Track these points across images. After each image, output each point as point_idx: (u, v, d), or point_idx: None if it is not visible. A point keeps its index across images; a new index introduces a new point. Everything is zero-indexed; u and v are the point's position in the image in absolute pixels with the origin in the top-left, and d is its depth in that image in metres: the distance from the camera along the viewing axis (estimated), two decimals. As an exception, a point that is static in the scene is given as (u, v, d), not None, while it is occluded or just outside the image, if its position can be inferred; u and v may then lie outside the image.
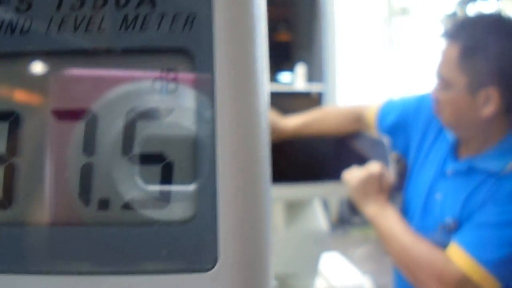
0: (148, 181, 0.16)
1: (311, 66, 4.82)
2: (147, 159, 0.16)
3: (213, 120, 0.16)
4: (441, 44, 1.03)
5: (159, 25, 0.16)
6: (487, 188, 0.96)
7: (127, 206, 0.17)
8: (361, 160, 1.12)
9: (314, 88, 1.40)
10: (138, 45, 0.16)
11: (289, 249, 1.27)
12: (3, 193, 0.16)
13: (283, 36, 6.84)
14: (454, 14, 3.60)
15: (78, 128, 0.17)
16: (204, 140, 0.16)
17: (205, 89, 0.16)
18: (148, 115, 0.17)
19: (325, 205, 5.10)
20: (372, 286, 1.48)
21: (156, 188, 0.16)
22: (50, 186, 0.16)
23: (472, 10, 3.77)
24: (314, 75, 4.85)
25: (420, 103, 1.12)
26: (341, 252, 1.57)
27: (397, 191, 1.11)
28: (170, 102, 0.16)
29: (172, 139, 0.16)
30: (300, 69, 1.47)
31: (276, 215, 1.29)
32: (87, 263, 0.16)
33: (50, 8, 0.16)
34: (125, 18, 0.16)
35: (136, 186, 0.16)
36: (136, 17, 0.16)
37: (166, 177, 0.16)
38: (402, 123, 1.17)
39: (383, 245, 1.04)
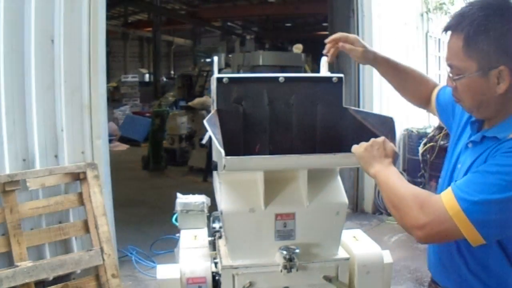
0: None
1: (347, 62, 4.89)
2: None
3: None
4: (446, 37, 1.13)
5: None
6: (489, 150, 1.08)
7: None
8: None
9: (335, 74, 1.49)
10: None
11: (313, 220, 1.35)
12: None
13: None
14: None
15: None
16: None
17: None
18: None
19: (362, 196, 5.18)
20: (392, 259, 1.52)
21: None
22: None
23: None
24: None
25: None
26: (376, 239, 1.59)
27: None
28: None
29: None
30: (324, 60, 1.59)
31: (300, 187, 1.34)
32: None
33: None
34: None
35: None
36: None
37: None
38: (449, 105, 1.32)
39: (382, 195, 1.15)
